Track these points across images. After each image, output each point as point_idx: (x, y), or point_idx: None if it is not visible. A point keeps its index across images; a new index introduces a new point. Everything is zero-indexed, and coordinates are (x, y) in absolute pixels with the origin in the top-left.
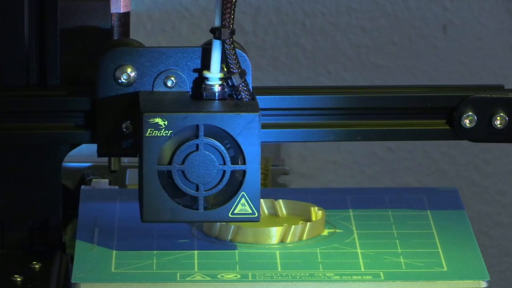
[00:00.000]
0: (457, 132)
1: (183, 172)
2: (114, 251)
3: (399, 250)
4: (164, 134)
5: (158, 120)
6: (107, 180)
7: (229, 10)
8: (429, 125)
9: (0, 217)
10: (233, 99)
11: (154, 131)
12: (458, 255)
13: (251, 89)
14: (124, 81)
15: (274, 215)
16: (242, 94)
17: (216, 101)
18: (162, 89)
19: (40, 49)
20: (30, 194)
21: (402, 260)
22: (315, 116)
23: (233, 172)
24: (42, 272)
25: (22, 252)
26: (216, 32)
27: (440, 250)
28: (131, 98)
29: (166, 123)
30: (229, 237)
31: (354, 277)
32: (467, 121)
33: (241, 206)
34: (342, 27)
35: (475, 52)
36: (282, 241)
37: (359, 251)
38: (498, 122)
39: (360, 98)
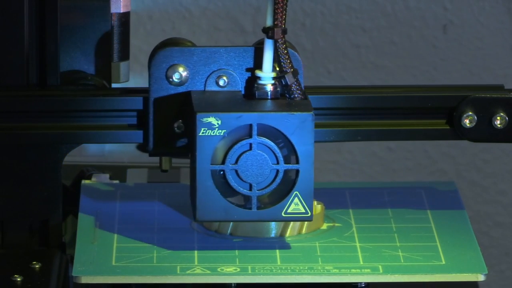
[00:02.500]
0: (457, 132)
1: (236, 171)
2: (115, 245)
3: (398, 244)
4: (217, 134)
5: (211, 120)
6: (107, 175)
7: (281, 10)
8: (429, 125)
9: (0, 217)
10: (285, 98)
11: (208, 131)
12: (456, 249)
13: (303, 88)
14: (176, 80)
15: None
16: (295, 93)
17: (269, 100)
18: (214, 88)
19: (40, 49)
20: (30, 194)
21: (400, 253)
22: (315, 116)
23: (286, 171)
24: (42, 272)
25: (22, 252)
26: (269, 32)
27: (438, 243)
28: (183, 97)
29: (219, 122)
30: (228, 231)
31: (353, 270)
32: (467, 121)
33: (294, 205)
34: (342, 27)
35: (475, 52)
36: (282, 234)
37: (357, 244)
38: (498, 122)
39: (360, 98)
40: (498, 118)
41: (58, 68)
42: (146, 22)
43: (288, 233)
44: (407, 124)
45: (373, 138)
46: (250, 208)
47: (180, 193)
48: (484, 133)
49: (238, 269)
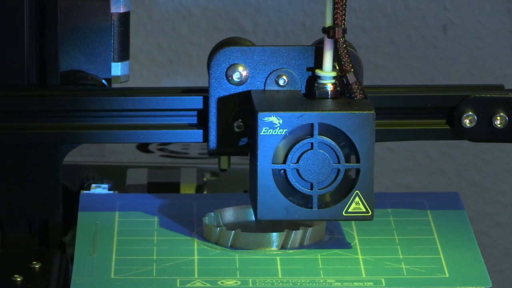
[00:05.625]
0: (457, 132)
1: (297, 170)
2: (114, 257)
3: (401, 256)
4: (279, 133)
5: (273, 119)
6: (106, 185)
7: (340, 9)
8: (429, 125)
9: (0, 217)
10: (345, 97)
11: (269, 130)
12: (460, 261)
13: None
14: (236, 80)
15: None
16: (356, 92)
17: (329, 99)
18: (274, 87)
19: (40, 49)
20: (30, 194)
21: (403, 266)
22: None
23: (346, 171)
24: (42, 272)
25: (22, 252)
26: (330, 31)
27: (441, 256)
28: (243, 97)
29: (281, 121)
30: (229, 243)
31: (355, 283)
32: (467, 121)
33: (355, 204)
34: None
35: (475, 52)
36: (283, 247)
37: (360, 257)
38: (498, 122)
39: None
40: (498, 118)
41: (58, 68)
42: (146, 22)
43: (289, 245)
44: (407, 124)
45: None
46: (311, 208)
47: (180, 204)
48: (484, 133)
49: (239, 282)
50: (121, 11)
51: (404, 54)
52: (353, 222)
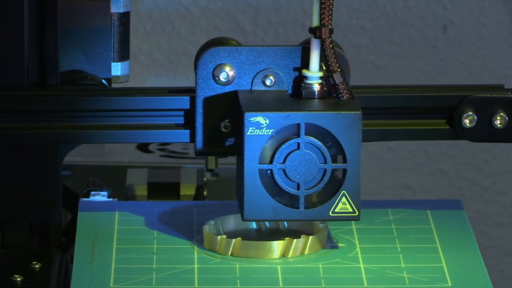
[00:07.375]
0: (457, 132)
1: (284, 170)
2: (113, 266)
3: (403, 265)
4: (265, 133)
5: (259, 119)
6: (106, 192)
7: (327, 10)
8: (429, 125)
9: (0, 217)
10: (332, 98)
11: (256, 130)
12: (463, 270)
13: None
14: (223, 80)
15: (275, 228)
16: (342, 92)
17: (316, 100)
18: (261, 88)
19: (40, 49)
20: (30, 194)
21: (405, 275)
22: None
23: (333, 171)
24: (42, 272)
25: (22, 252)
26: (316, 32)
27: (444, 264)
28: (229, 97)
29: (267, 122)
30: (229, 252)
31: None
32: (467, 121)
33: (342, 204)
34: (342, 27)
35: (475, 52)
36: (284, 255)
37: (362, 265)
38: (498, 122)
39: (360, 98)
40: (498, 118)
41: (58, 68)
42: (146, 22)
43: (290, 254)
44: (407, 124)
45: (373, 138)
46: (298, 208)
47: (180, 212)
48: (484, 133)
49: None
50: (121, 11)
51: (404, 54)
52: (355, 230)
